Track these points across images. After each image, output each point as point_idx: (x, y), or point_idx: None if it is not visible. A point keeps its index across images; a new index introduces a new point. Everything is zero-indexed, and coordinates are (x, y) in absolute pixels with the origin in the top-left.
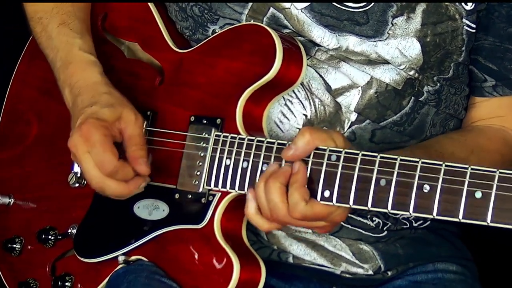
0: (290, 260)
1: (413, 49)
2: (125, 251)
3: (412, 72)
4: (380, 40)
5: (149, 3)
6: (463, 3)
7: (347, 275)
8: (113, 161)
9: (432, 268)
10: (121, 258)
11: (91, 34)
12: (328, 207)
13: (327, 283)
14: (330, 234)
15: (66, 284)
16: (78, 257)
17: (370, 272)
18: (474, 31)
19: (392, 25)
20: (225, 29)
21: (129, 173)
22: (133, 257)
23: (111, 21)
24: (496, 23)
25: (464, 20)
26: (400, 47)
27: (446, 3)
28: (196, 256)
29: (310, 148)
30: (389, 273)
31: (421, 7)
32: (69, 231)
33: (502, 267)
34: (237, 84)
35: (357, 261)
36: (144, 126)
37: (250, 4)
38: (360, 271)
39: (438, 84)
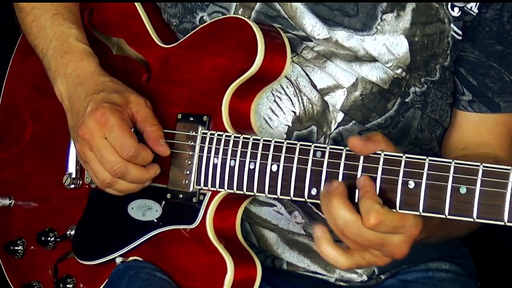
0: (284, 266)
1: (401, 46)
2: (121, 252)
3: (399, 71)
4: (368, 35)
5: None
6: (450, 9)
7: (341, 283)
8: (133, 144)
9: (424, 267)
10: (118, 260)
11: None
12: (402, 214)
13: None
14: None
15: (68, 286)
16: (77, 259)
17: (365, 278)
18: (460, 38)
19: (381, 20)
20: (207, 23)
21: (148, 155)
22: (131, 258)
23: (97, 17)
24: (485, 38)
25: (452, 25)
26: (388, 43)
27: (437, 5)
28: (191, 257)
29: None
30: (383, 276)
31: (411, 6)
32: (68, 232)
33: (501, 267)
34: (221, 80)
35: None
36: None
37: None
38: (354, 276)
39: (425, 86)
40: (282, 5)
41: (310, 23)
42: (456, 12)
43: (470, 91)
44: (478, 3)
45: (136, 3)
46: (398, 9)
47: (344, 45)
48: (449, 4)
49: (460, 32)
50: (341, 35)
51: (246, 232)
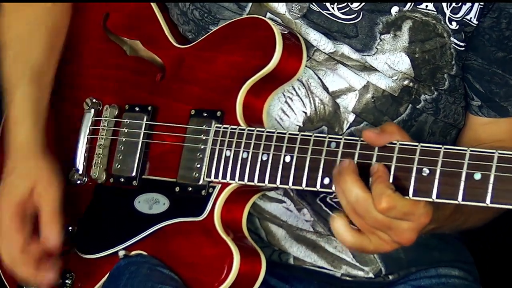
0: (291, 261)
1: (403, 63)
2: (125, 246)
3: (406, 82)
4: (369, 55)
5: None
6: (448, 23)
7: (348, 278)
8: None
9: (435, 273)
10: (121, 253)
11: (89, 38)
12: (413, 201)
13: (327, 285)
14: (331, 235)
15: (66, 281)
16: (79, 253)
17: (371, 275)
18: (463, 48)
19: (381, 40)
20: (224, 24)
21: (36, 253)
22: (134, 252)
23: (113, 20)
24: (486, 46)
25: (452, 38)
26: (389, 62)
27: (434, 21)
28: (197, 249)
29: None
30: (390, 277)
31: (407, 25)
32: (70, 228)
33: (502, 270)
34: (238, 76)
35: (357, 264)
36: (144, 120)
37: (249, 6)
38: (360, 273)
39: (436, 93)
40: (286, 23)
41: (315, 39)
42: (454, 26)
43: (478, 97)
44: (477, 14)
45: (153, 6)
46: (395, 30)
47: (351, 57)
48: (447, 18)
49: (462, 44)
50: (347, 49)
51: (255, 226)
